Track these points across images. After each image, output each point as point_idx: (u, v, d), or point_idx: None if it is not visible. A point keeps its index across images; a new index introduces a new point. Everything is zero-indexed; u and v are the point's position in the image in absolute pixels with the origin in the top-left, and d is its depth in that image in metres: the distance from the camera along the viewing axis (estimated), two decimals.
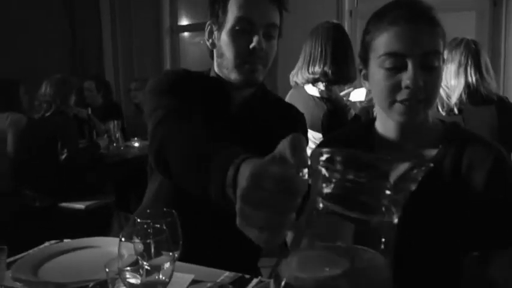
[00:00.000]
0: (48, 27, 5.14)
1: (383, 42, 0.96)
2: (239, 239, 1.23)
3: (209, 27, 1.24)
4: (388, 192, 0.41)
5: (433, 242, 0.97)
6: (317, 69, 2.09)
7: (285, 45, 4.14)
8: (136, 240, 0.87)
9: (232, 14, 1.16)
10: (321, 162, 0.44)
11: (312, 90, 2.12)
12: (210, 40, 1.24)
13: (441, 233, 0.98)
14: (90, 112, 4.13)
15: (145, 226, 0.91)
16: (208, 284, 0.93)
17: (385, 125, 1.04)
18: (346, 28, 4.41)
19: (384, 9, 1.01)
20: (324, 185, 0.44)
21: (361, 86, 2.18)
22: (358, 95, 2.34)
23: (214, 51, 1.25)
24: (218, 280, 0.97)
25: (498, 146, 1.04)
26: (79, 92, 3.74)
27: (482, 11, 4.10)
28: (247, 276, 0.98)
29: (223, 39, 1.18)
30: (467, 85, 2.07)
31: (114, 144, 3.94)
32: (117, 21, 5.88)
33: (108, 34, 5.89)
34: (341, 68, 2.06)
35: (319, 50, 2.11)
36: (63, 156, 3.20)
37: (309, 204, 0.47)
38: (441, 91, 2.10)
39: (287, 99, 2.26)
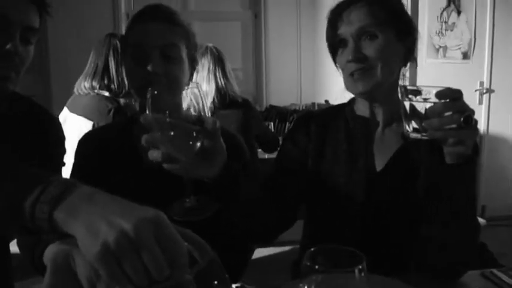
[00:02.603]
0: None
1: (133, 37, 1.09)
2: None
3: None
4: None
5: None
6: (99, 82, 2.09)
7: (59, 48, 3.91)
8: None
9: None
10: None
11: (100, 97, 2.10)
12: None
13: None
14: None
15: None
16: None
17: None
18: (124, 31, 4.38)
19: (137, 12, 1.13)
20: None
21: None
22: None
23: None
24: None
25: (239, 136, 1.22)
26: None
27: (246, 21, 4.62)
28: None
29: None
30: (218, 90, 2.33)
31: None
32: None
33: None
34: (122, 82, 2.09)
35: (101, 63, 2.11)
36: None
37: None
38: (192, 96, 2.31)
39: (69, 104, 2.18)
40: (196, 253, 0.56)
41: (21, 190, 0.62)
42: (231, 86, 2.39)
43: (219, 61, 2.39)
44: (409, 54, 1.07)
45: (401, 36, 1.03)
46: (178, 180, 0.82)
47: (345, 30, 1.01)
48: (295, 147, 1.13)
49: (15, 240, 1.21)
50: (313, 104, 4.26)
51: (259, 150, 2.64)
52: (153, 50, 1.06)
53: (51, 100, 3.86)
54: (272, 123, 3.08)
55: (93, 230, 0.54)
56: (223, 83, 2.35)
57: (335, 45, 1.06)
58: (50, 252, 0.90)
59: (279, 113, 3.99)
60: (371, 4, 1.01)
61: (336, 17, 1.04)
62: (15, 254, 1.24)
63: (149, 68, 1.05)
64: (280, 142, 2.62)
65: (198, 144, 0.75)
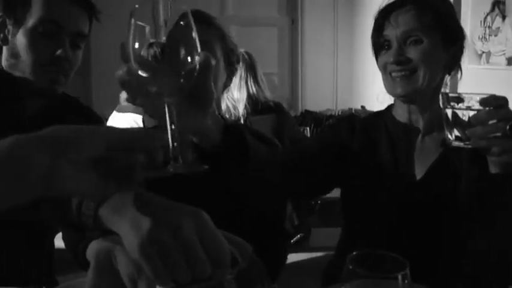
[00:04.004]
0: None
1: None
2: (28, 252, 1.17)
3: (1, 19, 1.08)
4: None
5: None
6: None
7: (101, 52, 4.05)
8: None
9: (36, 12, 1.03)
10: None
11: None
12: (1, 35, 1.08)
13: None
14: None
15: None
16: None
17: None
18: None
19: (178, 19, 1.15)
20: None
21: None
22: None
23: (5, 48, 1.09)
24: None
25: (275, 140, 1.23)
26: None
27: (282, 27, 4.64)
28: None
29: (21, 38, 1.05)
30: (249, 96, 2.35)
31: None
32: None
33: None
34: None
35: None
36: None
37: None
38: (228, 102, 2.35)
39: (118, 108, 2.27)
40: (237, 254, 0.57)
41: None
42: (262, 93, 2.41)
43: (250, 68, 2.40)
44: (454, 62, 1.05)
45: (448, 43, 1.02)
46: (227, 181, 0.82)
47: (391, 32, 1.01)
48: (336, 139, 1.11)
49: (59, 235, 1.26)
50: (350, 109, 4.22)
51: None
52: None
53: (91, 102, 3.99)
54: (308, 128, 3.06)
55: (137, 226, 0.55)
56: (254, 90, 2.37)
57: (379, 46, 1.05)
58: (92, 249, 0.93)
59: (315, 118, 3.97)
60: (420, 8, 1.00)
61: (383, 18, 1.04)
62: (58, 249, 1.29)
63: None
64: None
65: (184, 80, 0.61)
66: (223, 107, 2.35)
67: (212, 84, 0.69)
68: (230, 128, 0.74)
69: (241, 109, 2.33)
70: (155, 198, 0.60)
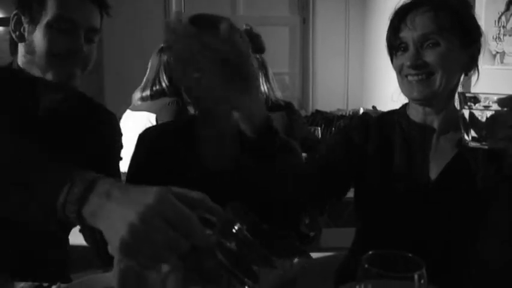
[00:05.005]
0: None
1: None
2: (44, 248, 1.18)
3: (16, 17, 1.12)
4: None
5: None
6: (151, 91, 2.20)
7: (113, 46, 4.07)
8: None
9: (51, 9, 1.07)
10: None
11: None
12: (18, 32, 1.12)
13: None
14: None
15: None
16: None
17: None
18: None
19: None
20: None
21: None
22: None
23: (21, 45, 1.13)
24: None
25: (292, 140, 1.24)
26: None
27: (293, 26, 4.63)
28: (45, 284, 0.94)
29: (37, 35, 1.08)
30: (260, 94, 2.37)
31: None
32: None
33: None
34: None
35: (152, 76, 2.20)
36: None
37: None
38: None
39: (132, 106, 2.27)
40: (213, 218, 0.60)
41: (52, 191, 0.65)
42: (273, 91, 2.43)
43: (262, 67, 2.42)
44: (472, 63, 1.03)
45: (466, 43, 1.00)
46: (235, 183, 0.82)
47: (407, 34, 0.99)
48: (349, 139, 1.11)
49: (73, 232, 1.28)
50: (361, 109, 4.20)
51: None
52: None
53: (104, 100, 4.02)
54: (319, 128, 3.05)
55: (112, 227, 0.59)
56: (266, 88, 2.39)
57: (395, 47, 1.04)
58: None
59: (325, 118, 3.96)
60: (437, 9, 0.98)
61: (399, 19, 1.02)
62: (72, 246, 1.30)
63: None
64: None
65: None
66: None
67: (252, 68, 0.78)
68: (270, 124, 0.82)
69: None
70: (125, 191, 0.62)
